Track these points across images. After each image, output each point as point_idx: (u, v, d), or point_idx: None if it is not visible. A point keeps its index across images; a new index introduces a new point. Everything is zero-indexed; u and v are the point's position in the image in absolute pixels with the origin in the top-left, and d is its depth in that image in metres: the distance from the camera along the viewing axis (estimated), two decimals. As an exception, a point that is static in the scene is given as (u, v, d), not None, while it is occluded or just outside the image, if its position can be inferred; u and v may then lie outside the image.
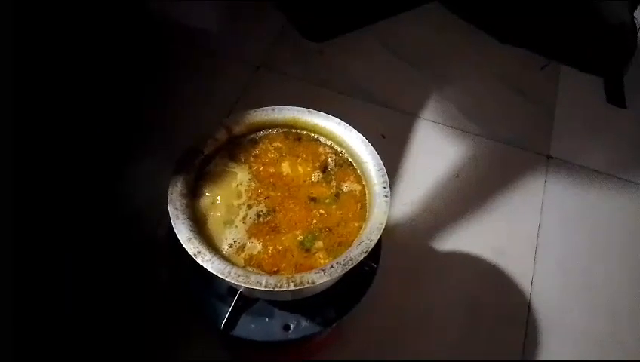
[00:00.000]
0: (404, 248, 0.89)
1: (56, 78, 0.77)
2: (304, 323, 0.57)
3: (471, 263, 0.88)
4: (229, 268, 0.47)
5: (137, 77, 1.02)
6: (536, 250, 0.90)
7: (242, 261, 0.50)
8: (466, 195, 0.96)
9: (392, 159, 0.99)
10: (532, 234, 0.92)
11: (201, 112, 0.99)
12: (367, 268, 0.60)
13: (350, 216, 0.54)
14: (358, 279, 0.59)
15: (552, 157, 1.02)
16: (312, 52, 1.15)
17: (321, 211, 0.54)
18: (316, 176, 0.56)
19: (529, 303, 0.85)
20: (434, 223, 0.92)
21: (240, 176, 0.55)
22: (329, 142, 0.59)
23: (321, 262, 0.51)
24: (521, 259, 0.89)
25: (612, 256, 0.92)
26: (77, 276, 0.77)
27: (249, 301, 0.58)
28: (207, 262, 0.48)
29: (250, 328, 0.56)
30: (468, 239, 0.90)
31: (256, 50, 1.14)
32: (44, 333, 0.68)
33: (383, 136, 1.01)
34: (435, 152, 1.01)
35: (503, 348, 0.81)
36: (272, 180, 0.56)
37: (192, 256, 0.48)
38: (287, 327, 0.57)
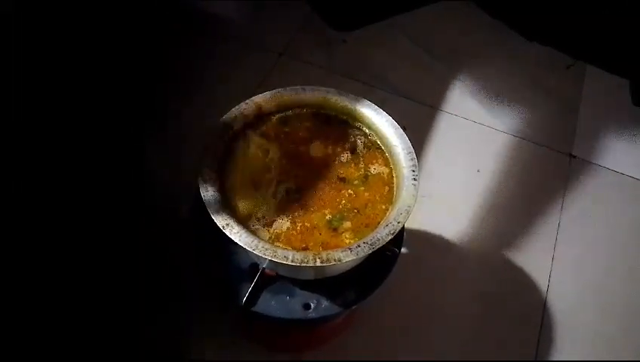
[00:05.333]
0: (421, 240, 0.88)
1: (78, 65, 0.78)
2: (324, 303, 0.57)
3: (488, 259, 0.88)
4: (256, 241, 0.48)
5: (159, 62, 1.04)
6: (554, 249, 0.89)
7: (269, 236, 0.50)
8: (487, 190, 0.95)
9: (413, 151, 0.98)
10: (551, 233, 0.91)
11: (222, 98, 0.99)
12: (388, 253, 0.60)
13: (377, 198, 0.54)
14: (380, 263, 0.59)
15: (575, 157, 1.01)
16: (335, 41, 1.14)
17: (349, 192, 0.54)
18: (345, 157, 0.56)
19: (545, 301, 0.84)
20: (453, 217, 0.91)
21: (271, 153, 0.55)
22: (357, 124, 0.59)
23: (347, 241, 0.51)
24: (539, 257, 0.88)
25: (630, 258, 0.90)
26: (97, 250, 0.78)
27: (270, 279, 0.58)
28: (236, 234, 0.48)
29: (270, 305, 0.56)
30: (486, 234, 0.90)
31: (279, 38, 1.14)
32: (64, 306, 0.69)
33: (404, 128, 1.00)
34: (457, 146, 1.00)
35: (516, 345, 0.81)
36: (302, 159, 0.56)
37: (221, 227, 0.48)
38: (307, 306, 0.57)
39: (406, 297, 0.82)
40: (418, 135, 1.01)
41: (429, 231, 0.90)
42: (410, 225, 0.89)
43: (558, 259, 0.88)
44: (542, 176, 0.98)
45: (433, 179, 0.95)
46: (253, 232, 0.50)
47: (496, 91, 1.09)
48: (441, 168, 0.97)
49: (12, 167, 0.62)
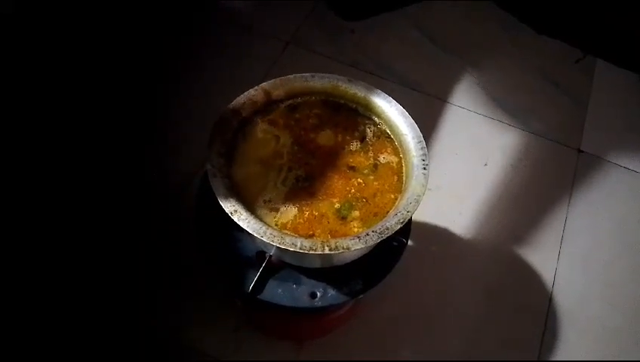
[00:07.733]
0: (427, 232, 0.88)
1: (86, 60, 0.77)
2: (331, 292, 0.57)
3: (494, 252, 0.88)
4: (264, 227, 0.47)
5: (166, 50, 1.03)
6: (561, 243, 0.89)
7: (275, 223, 0.50)
8: (494, 184, 0.94)
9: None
10: (558, 227, 0.90)
11: (228, 87, 0.98)
12: (395, 244, 0.60)
13: (386, 187, 0.53)
14: (386, 253, 0.59)
15: (583, 152, 1.00)
16: (343, 31, 1.13)
17: (359, 180, 0.53)
18: (355, 146, 0.56)
19: (550, 295, 0.84)
20: (459, 210, 0.91)
21: (282, 139, 0.55)
22: (367, 113, 0.59)
23: (355, 230, 0.50)
24: (545, 251, 0.88)
25: (636, 253, 0.90)
26: (98, 237, 0.78)
27: (277, 267, 0.58)
28: (244, 220, 0.47)
29: (277, 293, 0.56)
30: (493, 227, 0.89)
31: (286, 27, 1.12)
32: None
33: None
34: (464, 139, 1.00)
35: (520, 339, 0.81)
36: (312, 146, 0.55)
37: (229, 213, 0.47)
38: (313, 295, 0.56)
39: (410, 289, 0.82)
40: (425, 127, 0.98)
41: (435, 224, 0.89)
42: (416, 217, 0.88)
43: (564, 253, 0.88)
44: (549, 171, 0.97)
45: (440, 172, 0.94)
46: (261, 219, 0.50)
47: (505, 84, 1.08)
48: (448, 161, 0.96)
49: (14, 164, 0.63)
